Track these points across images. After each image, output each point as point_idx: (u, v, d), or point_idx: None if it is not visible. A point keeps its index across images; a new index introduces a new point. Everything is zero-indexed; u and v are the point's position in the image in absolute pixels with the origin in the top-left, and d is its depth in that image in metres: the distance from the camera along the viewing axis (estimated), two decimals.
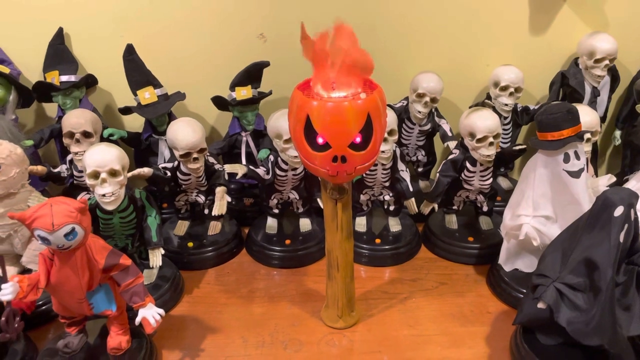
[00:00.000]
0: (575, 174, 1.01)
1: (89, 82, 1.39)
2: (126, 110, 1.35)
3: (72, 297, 0.89)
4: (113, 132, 1.32)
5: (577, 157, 1.01)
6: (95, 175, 1.00)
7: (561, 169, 1.02)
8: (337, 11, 1.35)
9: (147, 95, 1.31)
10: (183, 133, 1.15)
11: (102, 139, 1.31)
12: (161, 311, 0.92)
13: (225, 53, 1.40)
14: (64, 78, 1.34)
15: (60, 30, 1.35)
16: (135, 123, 1.43)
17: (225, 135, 1.41)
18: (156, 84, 1.32)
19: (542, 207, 1.07)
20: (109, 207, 1.03)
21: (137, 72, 1.30)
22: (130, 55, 1.29)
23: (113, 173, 1.01)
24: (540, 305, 0.91)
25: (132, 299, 0.91)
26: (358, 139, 0.85)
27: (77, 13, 1.35)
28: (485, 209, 1.31)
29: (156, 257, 1.10)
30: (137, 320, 0.91)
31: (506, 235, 1.14)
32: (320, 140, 0.85)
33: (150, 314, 0.91)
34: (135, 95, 1.31)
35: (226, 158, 1.43)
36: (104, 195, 1.01)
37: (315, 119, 0.84)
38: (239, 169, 1.19)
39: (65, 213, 0.80)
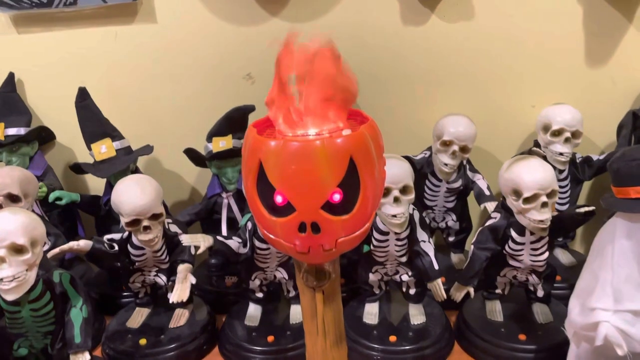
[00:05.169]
0: None
1: (43, 136, 1.16)
2: (77, 168, 1.10)
3: None
4: (61, 195, 1.08)
5: None
6: None
7: None
8: (342, 45, 1.12)
9: (104, 149, 1.07)
10: (128, 194, 0.89)
11: (48, 205, 1.07)
12: None
13: (206, 98, 1.17)
14: (11, 131, 1.12)
15: (11, 76, 1.14)
16: (102, 184, 1.18)
17: (203, 197, 1.15)
18: (115, 136, 1.08)
19: (627, 297, 0.73)
20: (9, 297, 0.75)
21: (91, 121, 1.07)
22: (83, 101, 1.06)
23: (17, 249, 0.75)
24: None
25: None
26: (337, 197, 0.55)
27: (31, 56, 1.15)
28: (540, 293, 0.97)
29: None
30: None
31: (574, 337, 0.80)
32: (279, 199, 0.56)
33: None
34: (90, 149, 1.07)
35: (205, 226, 1.15)
36: (1, 279, 0.73)
37: (271, 168, 0.56)
38: (202, 241, 0.90)
39: None
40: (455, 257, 1.19)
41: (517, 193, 0.87)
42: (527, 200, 0.86)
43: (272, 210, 0.57)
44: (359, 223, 0.58)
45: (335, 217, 0.56)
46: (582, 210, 0.88)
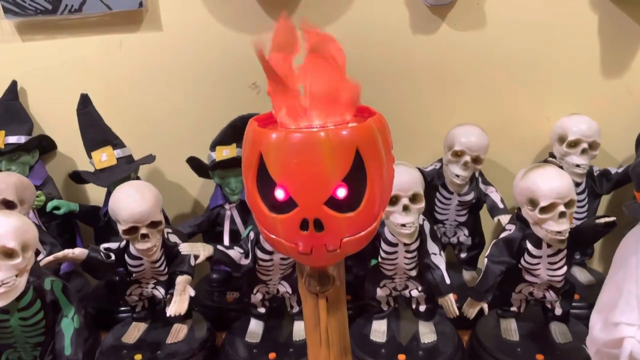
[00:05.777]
0: None
1: (44, 145, 1.14)
2: (77, 177, 1.08)
3: None
4: (59, 204, 1.05)
5: None
6: None
7: None
8: (351, 53, 1.10)
9: (104, 157, 1.04)
10: (127, 200, 0.85)
11: (47, 215, 1.04)
12: None
13: (212, 106, 1.14)
14: (12, 139, 1.10)
15: (14, 83, 1.13)
16: (103, 195, 1.15)
17: (206, 208, 1.11)
18: (116, 144, 1.05)
19: None
20: None
21: (92, 128, 1.04)
22: (85, 108, 1.04)
23: (7, 253, 0.71)
24: None
25: None
26: (341, 192, 0.51)
27: (34, 64, 1.13)
28: (558, 312, 0.92)
29: None
30: None
31: (597, 355, 0.74)
32: (280, 194, 0.52)
33: None
34: (90, 157, 1.04)
35: (207, 238, 1.12)
36: None
37: (271, 161, 0.52)
38: (202, 250, 0.86)
39: None
40: (467, 275, 1.13)
41: (533, 202, 0.82)
42: (543, 210, 0.81)
43: (272, 207, 0.54)
44: (365, 222, 0.54)
45: (340, 214, 0.52)
46: (603, 220, 0.82)
